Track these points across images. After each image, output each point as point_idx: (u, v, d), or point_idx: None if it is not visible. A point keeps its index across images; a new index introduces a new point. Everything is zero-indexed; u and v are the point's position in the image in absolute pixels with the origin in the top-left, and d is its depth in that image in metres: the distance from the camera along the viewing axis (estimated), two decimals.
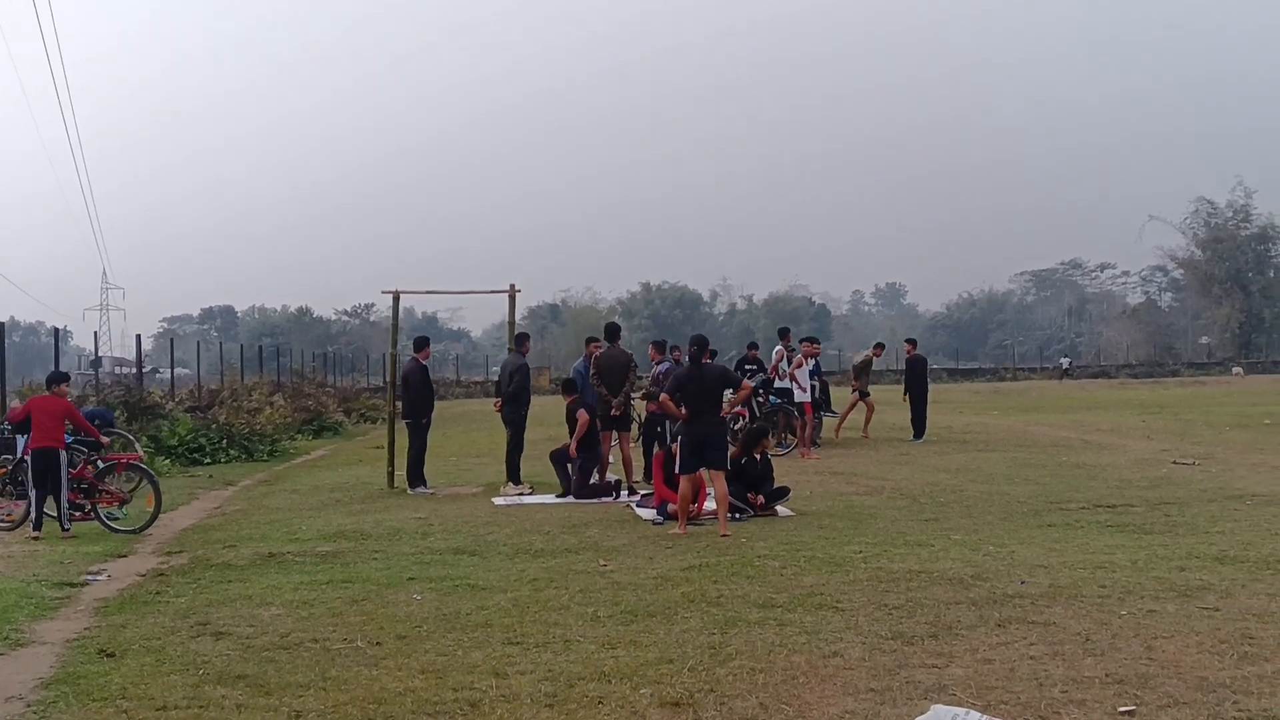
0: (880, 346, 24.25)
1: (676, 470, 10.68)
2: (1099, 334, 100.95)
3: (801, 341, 19.43)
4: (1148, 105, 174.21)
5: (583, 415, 13.49)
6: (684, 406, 10.72)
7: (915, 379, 20.90)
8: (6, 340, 19.96)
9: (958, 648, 6.08)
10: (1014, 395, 42.63)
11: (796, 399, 18.24)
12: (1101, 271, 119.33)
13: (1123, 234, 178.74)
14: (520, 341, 14.73)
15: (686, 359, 11.49)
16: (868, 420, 21.13)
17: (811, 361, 19.31)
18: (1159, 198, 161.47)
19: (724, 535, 10.08)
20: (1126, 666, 5.63)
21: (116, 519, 11.61)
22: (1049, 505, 11.74)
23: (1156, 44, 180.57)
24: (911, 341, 22.78)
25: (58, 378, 12.03)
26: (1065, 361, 70.88)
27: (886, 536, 9.81)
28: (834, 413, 21.01)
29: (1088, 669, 5.61)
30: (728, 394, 11.15)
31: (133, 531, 11.39)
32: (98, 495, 11.63)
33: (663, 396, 11.10)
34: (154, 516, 11.63)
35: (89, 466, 11.77)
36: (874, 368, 22.75)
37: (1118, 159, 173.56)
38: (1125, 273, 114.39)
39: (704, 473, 11.47)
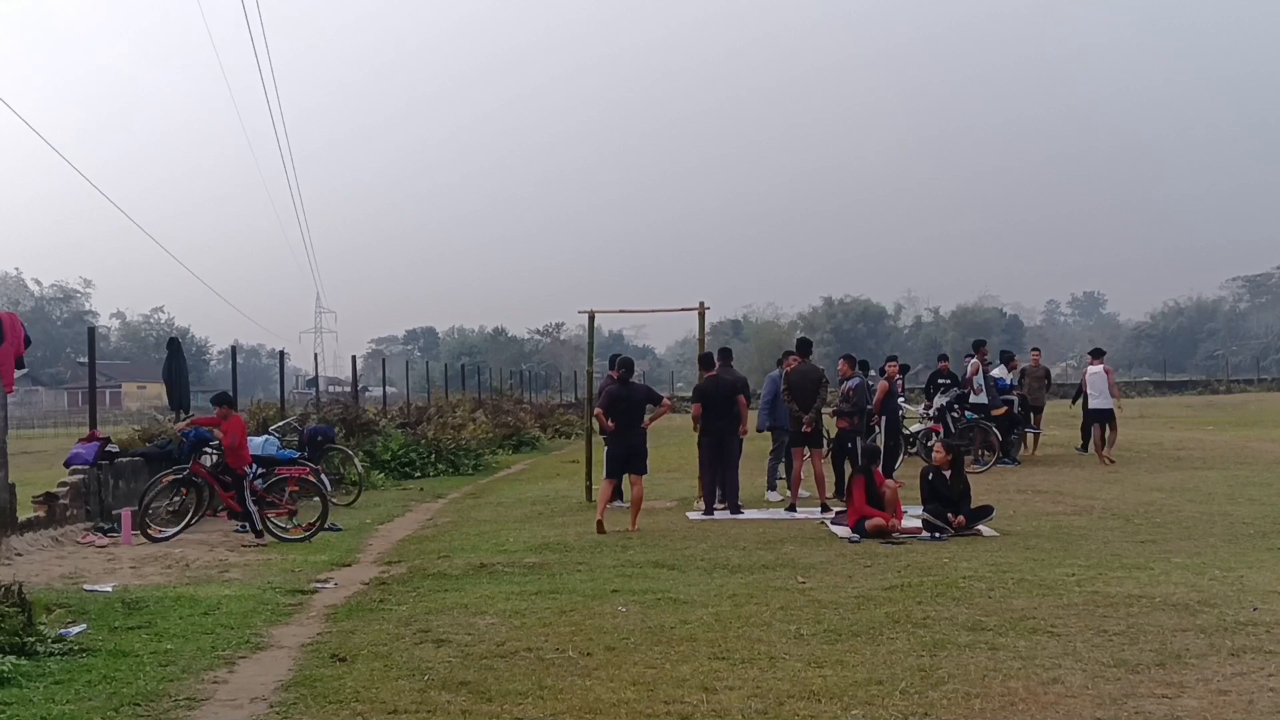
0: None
1: (606, 475, 12.44)
2: None
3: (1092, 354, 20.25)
4: None
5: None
6: (613, 420, 12.24)
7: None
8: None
9: (1188, 677, 5.80)
10: (1229, 409, 40.02)
11: (1097, 405, 18.66)
12: None
13: None
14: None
15: (616, 379, 12.79)
16: None
17: (1016, 373, 19.30)
18: None
19: (632, 531, 11.81)
20: None
21: (286, 529, 12.46)
22: (1278, 528, 11.01)
23: None
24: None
25: (229, 398, 13.03)
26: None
27: (1100, 559, 9.42)
28: (1037, 429, 20.38)
29: None
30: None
31: (299, 540, 12.11)
32: (267, 507, 12.44)
33: (596, 410, 12.70)
34: (318, 527, 12.38)
35: (255, 481, 12.59)
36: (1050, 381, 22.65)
37: None
38: None
39: (889, 488, 11.32)
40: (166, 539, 12.17)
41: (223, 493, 12.53)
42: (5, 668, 6.29)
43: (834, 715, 5.38)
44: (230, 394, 13.24)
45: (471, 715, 5.54)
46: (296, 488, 13.05)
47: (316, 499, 12.79)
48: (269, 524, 12.35)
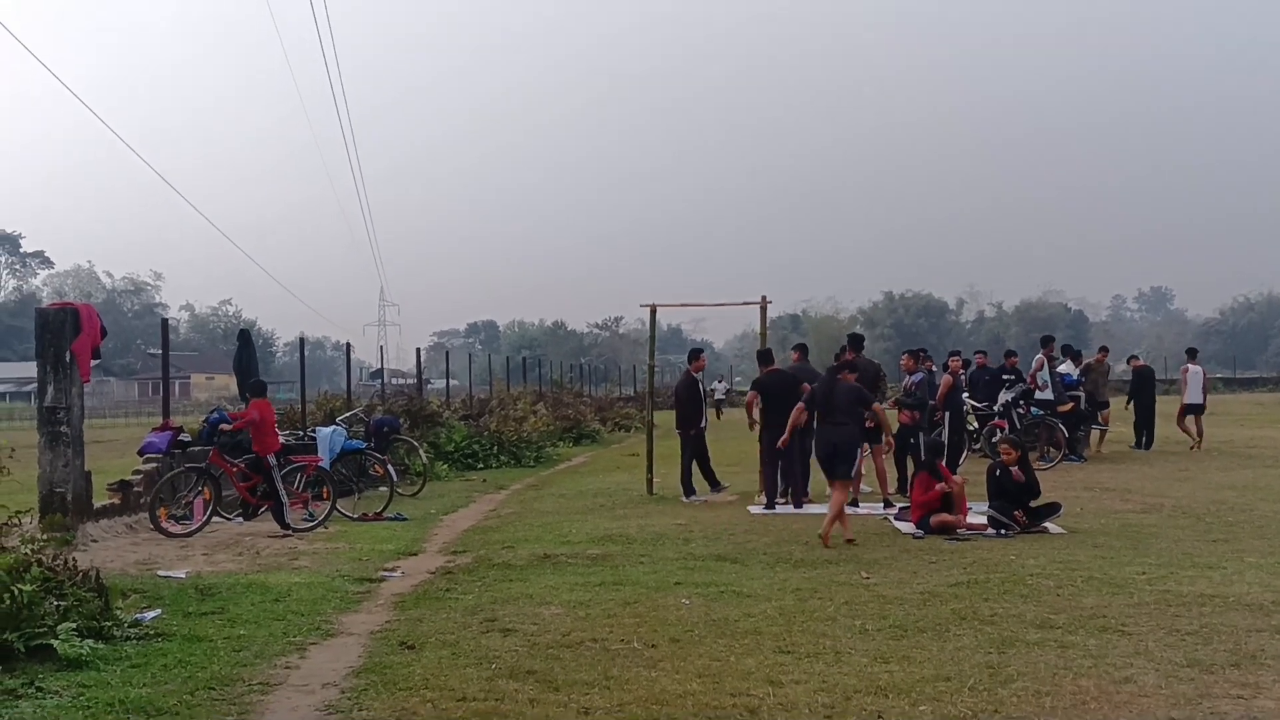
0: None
1: (828, 478, 10.98)
2: None
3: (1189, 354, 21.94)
4: None
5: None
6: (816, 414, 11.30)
7: (1143, 390, 21.06)
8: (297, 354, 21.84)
9: (1264, 678, 5.69)
10: None
11: (1193, 401, 20.20)
12: None
13: None
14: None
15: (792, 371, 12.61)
16: None
17: (1076, 370, 19.13)
18: None
19: (847, 540, 10.30)
20: None
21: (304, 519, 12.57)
22: None
23: None
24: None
25: (261, 386, 13.05)
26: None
27: (1171, 557, 9.25)
28: (1104, 426, 20.08)
29: None
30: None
31: (310, 530, 12.25)
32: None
33: (796, 409, 11.88)
34: (327, 514, 12.62)
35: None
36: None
37: None
38: None
39: (954, 484, 11.17)
40: (183, 535, 11.68)
41: (239, 484, 12.55)
42: (83, 651, 6.45)
43: (902, 711, 5.35)
44: (264, 382, 13.25)
45: (539, 704, 5.59)
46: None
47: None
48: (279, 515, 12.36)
